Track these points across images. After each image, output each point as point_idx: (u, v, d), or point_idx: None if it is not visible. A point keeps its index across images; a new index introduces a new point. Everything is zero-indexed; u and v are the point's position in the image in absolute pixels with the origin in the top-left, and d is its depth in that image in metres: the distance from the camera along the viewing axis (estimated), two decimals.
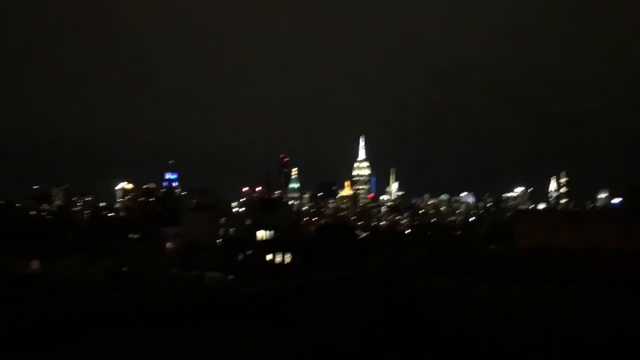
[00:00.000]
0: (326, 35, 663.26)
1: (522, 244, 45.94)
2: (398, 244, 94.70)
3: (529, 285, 22.98)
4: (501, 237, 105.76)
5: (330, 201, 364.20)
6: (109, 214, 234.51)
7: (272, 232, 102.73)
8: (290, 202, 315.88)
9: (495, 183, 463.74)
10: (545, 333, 12.28)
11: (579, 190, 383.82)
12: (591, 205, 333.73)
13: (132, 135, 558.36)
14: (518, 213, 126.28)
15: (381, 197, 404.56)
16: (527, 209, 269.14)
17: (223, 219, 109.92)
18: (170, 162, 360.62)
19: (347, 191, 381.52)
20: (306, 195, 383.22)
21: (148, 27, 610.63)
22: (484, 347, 11.34)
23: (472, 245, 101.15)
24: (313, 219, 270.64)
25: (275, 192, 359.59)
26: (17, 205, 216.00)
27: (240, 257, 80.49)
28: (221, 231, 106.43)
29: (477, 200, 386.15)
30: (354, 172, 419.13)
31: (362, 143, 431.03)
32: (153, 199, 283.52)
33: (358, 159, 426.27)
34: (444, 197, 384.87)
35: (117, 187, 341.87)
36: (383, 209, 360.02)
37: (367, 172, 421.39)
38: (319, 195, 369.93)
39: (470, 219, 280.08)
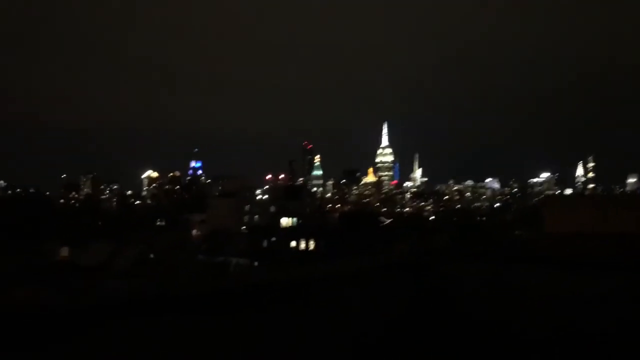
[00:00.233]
0: (353, 23, 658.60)
1: (550, 229, 45.22)
2: (423, 231, 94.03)
3: (559, 271, 22.58)
4: (527, 223, 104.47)
5: (353, 188, 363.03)
6: (135, 202, 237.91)
7: (295, 219, 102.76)
8: (313, 190, 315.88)
9: (521, 168, 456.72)
10: (578, 319, 12.02)
11: (607, 175, 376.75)
12: (620, 190, 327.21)
13: (157, 124, 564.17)
14: (546, 199, 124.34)
15: (405, 184, 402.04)
16: (555, 194, 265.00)
17: (247, 207, 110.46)
18: (195, 150, 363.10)
19: (370, 178, 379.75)
20: (330, 182, 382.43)
21: (166, 12, 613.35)
22: (515, 333, 11.15)
23: (498, 231, 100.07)
24: (337, 206, 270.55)
25: (299, 179, 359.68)
26: (46, 193, 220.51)
27: (265, 244, 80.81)
28: (246, 218, 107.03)
29: (503, 186, 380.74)
30: (378, 159, 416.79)
31: (385, 129, 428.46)
32: (178, 187, 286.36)
33: (381, 146, 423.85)
34: (469, 182, 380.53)
35: (143, 176, 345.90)
36: (407, 195, 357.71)
37: (390, 158, 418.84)
38: (342, 182, 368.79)
39: (495, 205, 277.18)
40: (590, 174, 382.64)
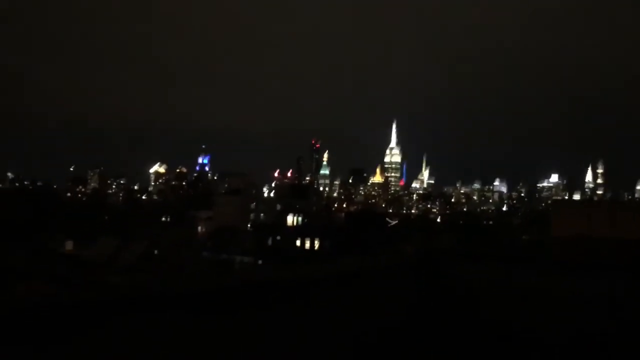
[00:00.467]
0: (361, 20, 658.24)
1: (557, 233, 44.79)
2: (429, 232, 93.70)
3: (565, 274, 22.46)
4: (535, 227, 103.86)
5: (360, 188, 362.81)
6: (142, 197, 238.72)
7: (302, 217, 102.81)
8: (320, 188, 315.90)
9: (530, 172, 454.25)
10: (585, 324, 11.73)
11: (617, 180, 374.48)
12: (629, 197, 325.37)
13: (165, 119, 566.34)
14: (554, 203, 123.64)
15: (413, 185, 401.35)
16: (564, 198, 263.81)
17: (253, 204, 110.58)
18: (202, 146, 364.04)
19: (378, 178, 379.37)
20: (337, 182, 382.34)
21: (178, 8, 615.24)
22: (518, 333, 10.86)
23: (505, 235, 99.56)
24: (343, 206, 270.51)
25: (306, 178, 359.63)
26: (54, 186, 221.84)
27: (270, 242, 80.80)
28: (252, 216, 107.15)
29: (510, 189, 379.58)
30: (386, 159, 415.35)
31: (394, 129, 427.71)
32: (185, 182, 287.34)
33: (390, 146, 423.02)
34: (476, 185, 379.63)
35: (150, 171, 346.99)
36: (414, 196, 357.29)
37: (398, 159, 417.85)
38: (349, 181, 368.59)
39: (503, 208, 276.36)
40: (600, 180, 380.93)
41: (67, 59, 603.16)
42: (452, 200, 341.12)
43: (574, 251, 38.60)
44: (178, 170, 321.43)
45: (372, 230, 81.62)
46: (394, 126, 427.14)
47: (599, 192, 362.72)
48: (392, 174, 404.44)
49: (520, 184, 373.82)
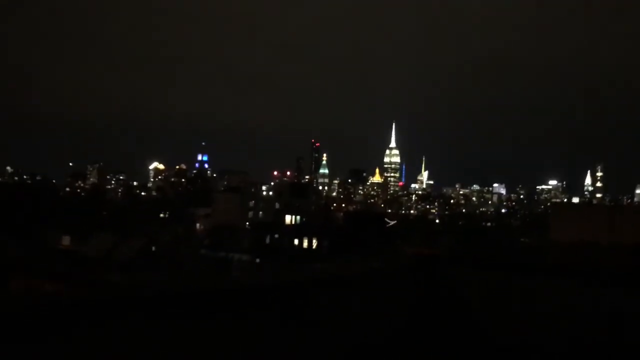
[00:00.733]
0: (361, 20, 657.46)
1: (555, 237, 44.84)
2: (427, 233, 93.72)
3: (563, 278, 22.41)
4: (534, 230, 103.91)
5: (360, 188, 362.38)
6: (141, 193, 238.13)
7: (300, 217, 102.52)
8: (320, 188, 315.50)
9: (529, 174, 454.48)
10: (585, 333, 11.75)
11: (615, 184, 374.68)
12: (628, 200, 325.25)
13: (167, 117, 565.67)
14: (553, 206, 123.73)
15: (412, 185, 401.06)
16: (562, 202, 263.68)
17: (252, 202, 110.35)
18: (202, 143, 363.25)
19: (377, 178, 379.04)
20: (336, 181, 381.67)
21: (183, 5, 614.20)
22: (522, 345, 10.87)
23: (503, 237, 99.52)
24: (342, 205, 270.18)
25: (306, 177, 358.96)
26: (53, 181, 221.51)
27: (268, 240, 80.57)
28: (250, 214, 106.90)
29: (509, 192, 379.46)
30: (386, 160, 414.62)
31: (394, 130, 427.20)
32: (184, 179, 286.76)
33: (390, 146, 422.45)
34: (475, 187, 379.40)
35: (150, 167, 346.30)
36: (413, 197, 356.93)
37: (398, 159, 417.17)
38: (349, 181, 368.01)
39: (501, 211, 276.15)
40: (599, 184, 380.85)
41: (69, 57, 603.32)
42: (451, 201, 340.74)
43: (572, 256, 38.61)
44: (178, 167, 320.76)
45: (371, 230, 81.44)
46: (393, 127, 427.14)
47: (598, 195, 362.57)
48: (392, 174, 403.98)
49: (520, 186, 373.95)
